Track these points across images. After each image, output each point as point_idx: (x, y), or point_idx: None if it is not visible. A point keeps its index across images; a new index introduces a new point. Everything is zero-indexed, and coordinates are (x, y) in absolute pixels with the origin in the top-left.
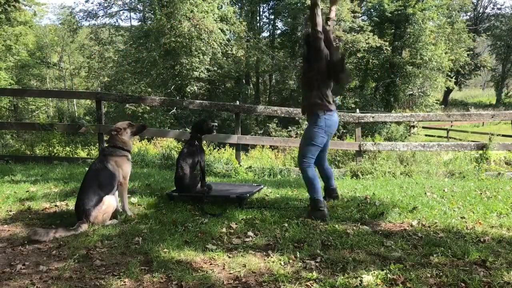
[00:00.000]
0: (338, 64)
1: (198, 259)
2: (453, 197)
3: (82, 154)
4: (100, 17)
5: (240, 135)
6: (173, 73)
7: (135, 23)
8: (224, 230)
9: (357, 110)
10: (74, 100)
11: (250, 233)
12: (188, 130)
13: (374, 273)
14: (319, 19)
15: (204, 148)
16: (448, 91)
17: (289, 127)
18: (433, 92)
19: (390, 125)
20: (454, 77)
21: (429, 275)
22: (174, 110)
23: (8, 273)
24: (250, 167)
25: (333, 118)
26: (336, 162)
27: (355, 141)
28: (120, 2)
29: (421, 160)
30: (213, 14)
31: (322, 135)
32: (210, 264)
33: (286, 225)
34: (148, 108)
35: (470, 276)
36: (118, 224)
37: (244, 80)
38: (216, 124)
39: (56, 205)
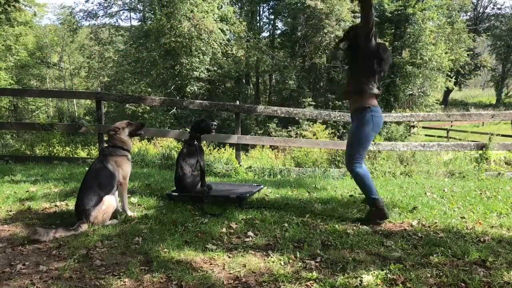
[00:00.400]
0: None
1: (198, 259)
2: (453, 197)
3: (82, 154)
4: (100, 17)
5: (240, 135)
6: (173, 73)
7: (135, 23)
8: (224, 230)
9: None
10: (74, 100)
11: (250, 233)
12: (188, 130)
13: (374, 273)
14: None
15: (204, 148)
16: (448, 91)
17: (289, 127)
18: (433, 92)
19: (390, 125)
20: (454, 77)
21: (429, 275)
22: (174, 110)
23: (8, 273)
24: (250, 167)
25: (380, 115)
26: (336, 162)
27: None
28: (120, 2)
29: (421, 160)
30: (213, 14)
31: (371, 133)
32: (210, 264)
33: (286, 225)
34: (148, 108)
35: (470, 276)
36: (118, 224)
37: (244, 80)
38: (216, 123)
39: (56, 205)
